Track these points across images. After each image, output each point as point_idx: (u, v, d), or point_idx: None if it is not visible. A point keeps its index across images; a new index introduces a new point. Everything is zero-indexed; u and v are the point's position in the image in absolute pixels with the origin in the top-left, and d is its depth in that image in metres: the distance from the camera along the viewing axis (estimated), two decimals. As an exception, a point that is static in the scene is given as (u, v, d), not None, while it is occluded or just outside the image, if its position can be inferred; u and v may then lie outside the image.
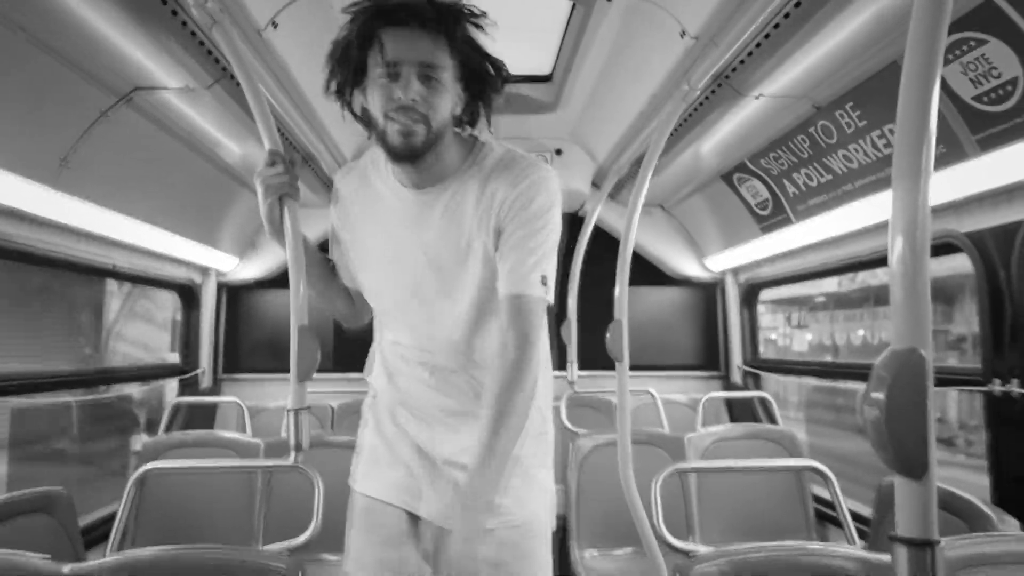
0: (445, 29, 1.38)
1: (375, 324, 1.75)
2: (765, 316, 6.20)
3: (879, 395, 0.77)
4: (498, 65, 1.48)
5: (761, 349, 4.79)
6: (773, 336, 6.58)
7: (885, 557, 1.52)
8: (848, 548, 1.71)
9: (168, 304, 5.03)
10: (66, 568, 1.51)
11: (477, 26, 1.43)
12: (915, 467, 0.77)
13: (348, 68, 1.45)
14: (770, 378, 4.62)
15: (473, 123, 1.53)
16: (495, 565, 1.55)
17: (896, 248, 0.79)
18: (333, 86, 1.49)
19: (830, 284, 5.80)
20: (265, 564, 1.57)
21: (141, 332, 5.41)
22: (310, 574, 1.70)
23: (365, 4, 1.39)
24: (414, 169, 1.48)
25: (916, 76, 0.81)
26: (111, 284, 5.00)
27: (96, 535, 2.87)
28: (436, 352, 1.59)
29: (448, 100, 1.42)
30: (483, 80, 1.48)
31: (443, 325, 1.56)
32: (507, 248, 1.46)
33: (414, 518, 1.63)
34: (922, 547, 0.78)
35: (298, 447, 1.81)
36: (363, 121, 1.49)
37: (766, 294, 4.92)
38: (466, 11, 1.41)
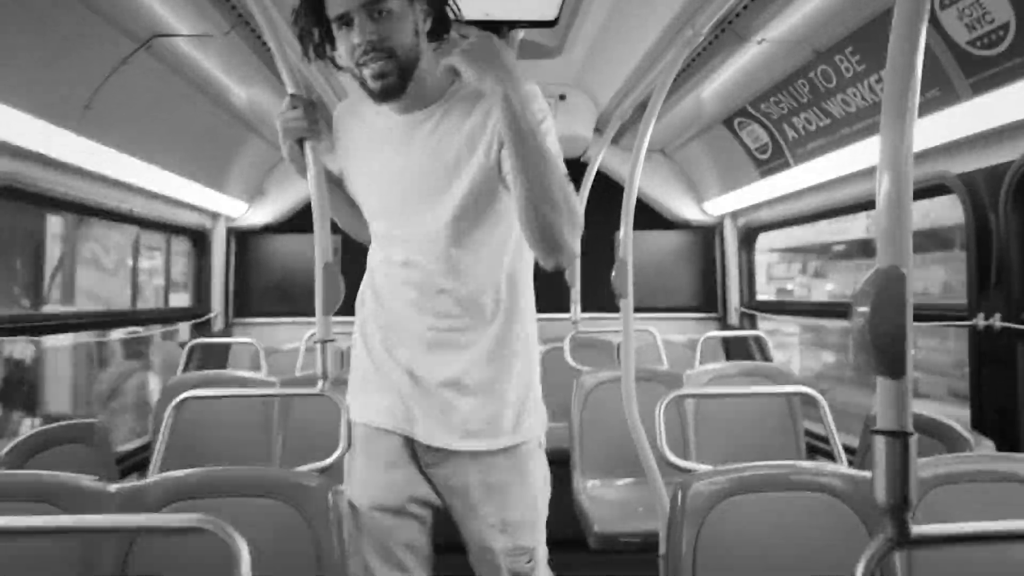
0: None
1: (370, 251, 1.77)
2: (779, 265, 6.13)
3: (864, 308, 0.88)
4: None
5: (774, 297, 4.84)
6: (789, 287, 6.45)
7: (861, 473, 1.67)
8: (837, 467, 1.84)
9: (117, 247, 4.93)
10: (112, 487, 1.62)
11: None
12: (895, 368, 0.89)
13: (313, 34, 1.52)
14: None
15: (446, 29, 1.55)
16: (499, 488, 1.63)
17: (883, 180, 0.89)
18: (311, 54, 1.55)
19: (857, 230, 5.46)
20: (300, 481, 1.69)
21: (87, 279, 5.08)
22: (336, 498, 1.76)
23: None
24: (404, 97, 1.52)
25: (905, 23, 0.90)
26: (53, 225, 4.66)
27: (126, 466, 3.03)
28: (422, 266, 1.60)
29: (407, 24, 1.45)
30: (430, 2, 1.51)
31: (428, 236, 1.59)
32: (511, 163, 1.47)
33: (409, 441, 1.65)
34: (897, 436, 0.89)
35: (325, 375, 1.93)
36: (352, 74, 1.53)
37: (779, 241, 4.93)
38: None
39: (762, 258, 5.18)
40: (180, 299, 4.83)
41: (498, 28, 2.78)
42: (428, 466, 1.66)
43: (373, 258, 1.74)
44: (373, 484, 1.66)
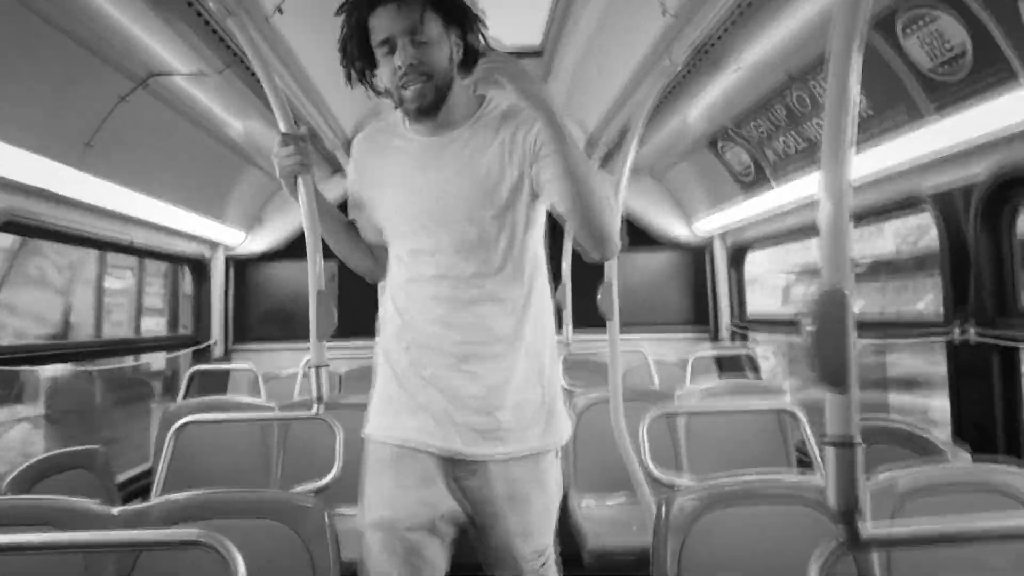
0: None
1: (389, 276, 1.81)
2: (797, 287, 6.06)
3: (809, 327, 0.96)
4: (470, 14, 1.65)
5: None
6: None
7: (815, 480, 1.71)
8: (818, 479, 1.89)
9: (69, 264, 4.60)
10: (115, 510, 1.67)
11: None
12: (839, 381, 0.96)
13: (356, 58, 1.65)
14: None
15: (475, 60, 1.64)
16: (523, 498, 1.68)
17: (825, 207, 0.97)
18: (354, 76, 1.68)
19: (884, 247, 5.22)
20: (297, 502, 1.74)
21: (33, 300, 4.68)
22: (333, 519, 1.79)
23: (348, 1, 1.60)
24: (432, 121, 1.65)
25: (839, 59, 0.99)
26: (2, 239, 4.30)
27: (128, 491, 3.08)
28: (453, 278, 1.66)
29: (443, 52, 1.59)
30: (464, 16, 1.64)
31: (461, 247, 1.66)
32: (551, 160, 1.57)
33: (441, 458, 1.67)
34: (844, 446, 0.96)
35: (319, 399, 2.00)
36: (389, 95, 1.66)
37: (797, 259, 4.91)
38: None
39: (778, 279, 5.17)
40: (155, 324, 4.66)
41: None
42: (460, 479, 1.68)
43: (395, 279, 1.77)
44: (404, 502, 1.65)
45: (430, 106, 1.61)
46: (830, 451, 0.98)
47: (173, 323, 4.52)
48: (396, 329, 1.74)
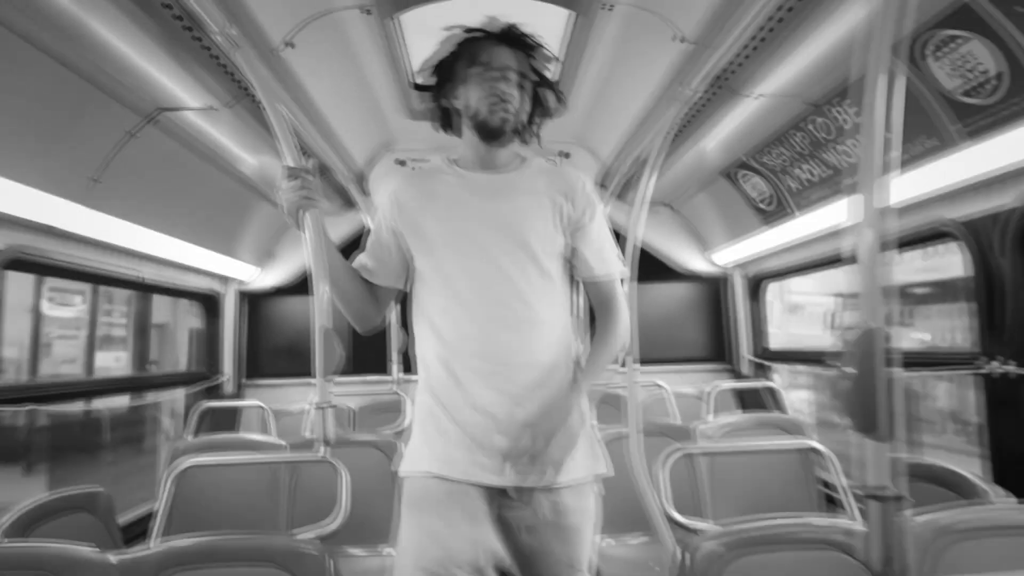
0: (530, 52, 1.76)
1: (424, 308, 1.80)
2: (847, 313, 5.84)
3: (845, 369, 0.88)
4: (558, 92, 1.85)
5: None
6: None
7: (856, 526, 1.61)
8: (848, 522, 1.79)
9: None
10: (113, 558, 1.60)
11: (545, 57, 1.80)
12: (879, 428, 0.88)
13: (447, 72, 1.79)
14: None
15: (529, 132, 1.85)
16: (569, 528, 1.67)
17: (862, 237, 0.90)
18: (432, 82, 1.83)
19: (953, 267, 4.73)
20: (299, 549, 1.67)
21: None
22: (337, 564, 1.74)
23: (478, 30, 1.76)
24: (492, 154, 1.79)
25: (871, 91, 0.92)
26: None
27: (132, 534, 3.00)
28: (493, 304, 1.69)
29: (526, 105, 1.77)
30: (546, 99, 1.84)
31: (502, 280, 1.70)
32: (590, 237, 1.79)
33: (488, 491, 1.65)
34: (886, 498, 0.88)
35: (326, 441, 1.93)
36: (442, 111, 1.84)
37: (838, 283, 4.70)
38: (544, 45, 1.79)
39: (815, 300, 4.99)
40: (115, 361, 4.16)
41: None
42: (509, 510, 1.66)
43: (433, 309, 1.77)
44: (453, 542, 1.62)
45: (502, 131, 1.74)
46: (872, 505, 0.90)
47: (140, 358, 4.05)
48: (437, 358, 1.73)
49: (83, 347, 4.36)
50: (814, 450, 2.23)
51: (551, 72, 1.86)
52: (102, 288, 4.21)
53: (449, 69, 1.80)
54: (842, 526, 1.67)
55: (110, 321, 4.23)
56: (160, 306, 4.30)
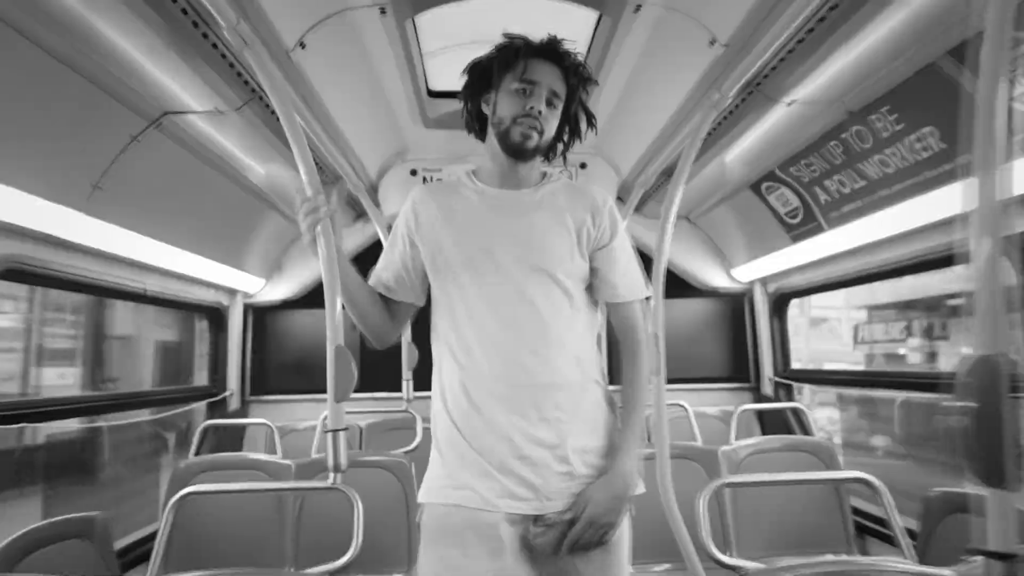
0: (570, 71, 1.72)
1: (443, 326, 1.74)
2: (872, 326, 5.48)
3: (959, 405, 0.74)
4: (591, 116, 1.82)
5: (883, 364, 4.53)
6: (901, 351, 5.66)
7: (944, 572, 1.46)
8: (904, 563, 1.65)
9: None
10: None
11: (584, 79, 1.76)
12: (1003, 477, 0.74)
13: (484, 80, 1.76)
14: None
15: (555, 152, 1.83)
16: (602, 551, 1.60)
17: (978, 253, 0.76)
18: (466, 88, 1.81)
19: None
20: None
21: None
22: None
23: (519, 38, 1.72)
24: (515, 169, 1.76)
25: (988, 76, 0.79)
26: None
27: (130, 558, 2.87)
28: (514, 321, 1.65)
29: (555, 124, 1.75)
30: (577, 121, 1.81)
31: (522, 289, 1.66)
32: (613, 257, 1.75)
33: (511, 518, 1.60)
34: (999, 558, 0.74)
35: (337, 468, 1.79)
36: (474, 119, 1.83)
37: (866, 295, 4.56)
38: (583, 65, 1.76)
39: (841, 315, 4.78)
40: (59, 377, 3.64)
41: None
42: (536, 536, 1.59)
43: (450, 327, 1.72)
44: (472, 574, 1.57)
45: (528, 150, 1.71)
46: (994, 565, 0.76)
47: (93, 374, 3.62)
48: (455, 382, 1.68)
49: (20, 361, 3.81)
50: (866, 483, 2.08)
51: (588, 96, 1.82)
52: (39, 293, 3.75)
53: (484, 71, 1.77)
54: (900, 567, 1.54)
55: (57, 332, 3.76)
56: (120, 316, 3.85)
